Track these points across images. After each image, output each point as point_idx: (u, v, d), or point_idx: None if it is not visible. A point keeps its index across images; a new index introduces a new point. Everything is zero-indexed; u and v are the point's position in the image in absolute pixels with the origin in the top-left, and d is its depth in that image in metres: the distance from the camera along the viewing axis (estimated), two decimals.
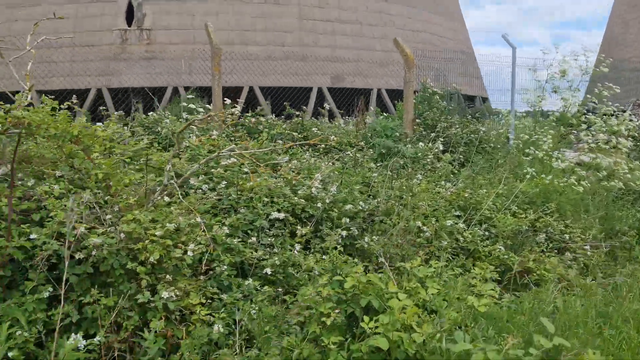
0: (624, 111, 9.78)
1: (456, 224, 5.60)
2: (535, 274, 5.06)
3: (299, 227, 4.30)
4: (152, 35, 20.63)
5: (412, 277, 3.28)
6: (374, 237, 4.97)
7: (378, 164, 6.85)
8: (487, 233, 5.69)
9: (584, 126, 7.81)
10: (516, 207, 6.18)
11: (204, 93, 15.29)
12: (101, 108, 8.98)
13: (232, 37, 20.66)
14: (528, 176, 6.57)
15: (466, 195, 6.00)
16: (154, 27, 20.72)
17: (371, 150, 7.09)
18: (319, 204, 4.60)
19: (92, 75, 19.74)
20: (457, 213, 5.88)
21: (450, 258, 4.92)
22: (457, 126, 8.10)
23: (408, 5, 24.15)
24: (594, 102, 8.93)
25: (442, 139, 7.81)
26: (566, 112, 7.83)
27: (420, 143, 7.37)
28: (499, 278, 5.03)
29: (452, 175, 6.90)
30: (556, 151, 6.89)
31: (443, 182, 6.39)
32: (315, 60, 21.38)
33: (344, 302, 2.94)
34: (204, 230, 3.33)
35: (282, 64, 20.73)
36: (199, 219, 3.39)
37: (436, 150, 7.30)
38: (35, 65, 5.87)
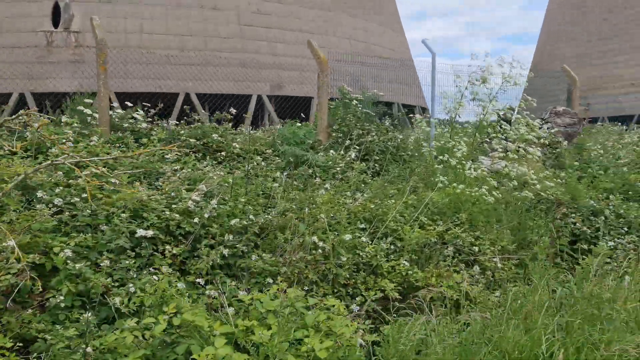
0: (543, 119, 9.79)
1: (359, 237, 5.23)
2: (436, 292, 4.74)
3: (167, 247, 3.77)
4: (81, 38, 19.56)
5: (253, 311, 2.83)
6: (263, 254, 4.52)
7: (285, 174, 6.41)
8: (392, 247, 5.35)
9: (500, 135, 7.66)
10: (425, 219, 5.88)
11: (138, 98, 14.61)
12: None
13: (168, 41, 19.91)
14: (440, 185, 6.30)
15: (372, 206, 5.64)
16: (82, 29, 19.64)
17: (279, 158, 6.64)
18: (196, 219, 4.09)
19: (14, 79, 18.51)
20: (363, 226, 5.51)
21: (316, 284, 4.50)
22: (374, 133, 7.78)
23: (350, 15, 24.10)
24: (512, 111, 8.87)
25: (356, 147, 7.47)
26: (483, 120, 7.65)
27: (332, 151, 6.99)
28: (399, 297, 4.69)
29: (363, 185, 6.55)
30: (470, 160, 6.66)
31: (349, 193, 6.01)
32: (255, 67, 20.91)
33: (160, 348, 2.46)
34: (17, 256, 2.75)
35: (221, 70, 20.12)
36: (10, 242, 2.81)
37: (348, 158, 6.94)
38: None
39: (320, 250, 4.55)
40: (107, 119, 6.11)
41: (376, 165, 7.41)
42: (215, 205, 4.24)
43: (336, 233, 5.08)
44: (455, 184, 6.21)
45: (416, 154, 8.04)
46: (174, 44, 19.93)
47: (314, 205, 5.49)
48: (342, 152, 7.36)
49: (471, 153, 7.45)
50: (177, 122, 7.17)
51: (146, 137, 6.10)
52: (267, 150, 6.71)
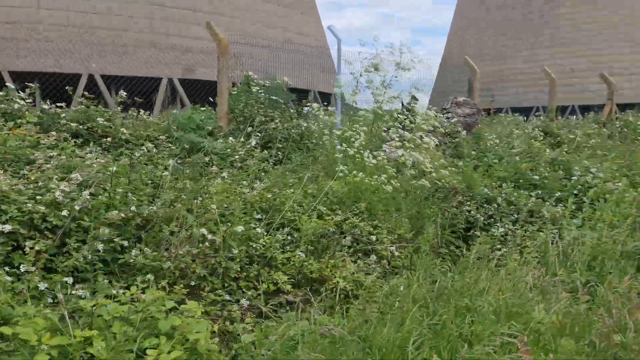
0: (444, 109, 10.03)
1: (254, 228, 5.04)
2: (331, 282, 4.65)
3: (27, 242, 3.39)
4: None
5: (98, 319, 2.57)
6: (146, 249, 4.21)
7: (179, 162, 6.07)
8: (289, 237, 5.21)
9: (398, 123, 7.71)
10: (324, 208, 5.78)
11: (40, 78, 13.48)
12: None
13: (71, 19, 18.54)
14: (340, 174, 6.23)
15: (269, 195, 5.46)
16: None
17: (174, 145, 6.29)
18: (65, 212, 3.71)
19: None
20: (259, 216, 5.32)
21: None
22: (277, 121, 7.58)
23: (266, 0, 23.65)
24: (416, 100, 8.99)
25: (258, 134, 7.24)
26: (377, 109, 7.61)
27: (230, 138, 6.72)
28: (292, 289, 4.55)
29: (263, 174, 6.35)
30: (369, 149, 6.63)
31: (247, 182, 5.80)
32: (166, 49, 19.98)
33: None
34: None
35: (130, 51, 19.00)
36: None
37: (248, 146, 6.70)
38: None
39: (208, 243, 4.30)
40: None
41: (279, 153, 7.23)
42: (89, 196, 3.88)
43: (229, 224, 4.86)
44: (354, 173, 6.16)
45: (320, 143, 7.94)
46: (77, 21, 18.65)
47: (207, 195, 5.23)
48: (242, 139, 7.11)
49: (370, 142, 7.45)
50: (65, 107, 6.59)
51: (21, 119, 5.53)
52: (161, 137, 6.33)
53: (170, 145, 6.23)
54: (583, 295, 4.41)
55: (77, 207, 3.77)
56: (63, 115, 5.78)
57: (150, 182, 5.09)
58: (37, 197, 3.73)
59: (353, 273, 4.82)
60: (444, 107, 9.92)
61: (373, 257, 5.48)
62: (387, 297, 4.24)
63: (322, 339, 2.91)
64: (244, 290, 4.61)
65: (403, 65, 6.87)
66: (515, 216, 7.14)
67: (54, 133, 5.41)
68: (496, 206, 7.14)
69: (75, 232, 3.79)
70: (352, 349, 2.75)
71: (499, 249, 6.54)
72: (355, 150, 6.24)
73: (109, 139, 5.70)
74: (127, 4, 19.42)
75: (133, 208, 4.31)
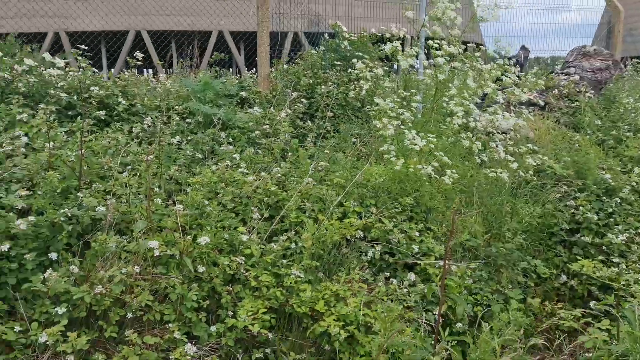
0: (567, 62, 7.78)
1: (242, 234, 3.79)
2: (322, 322, 3.29)
3: None
4: None
5: None
6: (72, 268, 3.19)
7: (189, 138, 4.99)
8: (293, 246, 3.90)
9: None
10: (355, 203, 4.35)
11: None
12: None
13: None
14: (388, 157, 4.68)
15: (272, 188, 4.16)
16: None
17: (190, 117, 5.20)
18: None
19: None
20: (257, 215, 4.06)
21: None
22: (330, 83, 6.15)
23: None
24: (527, 51, 6.94)
25: (303, 100, 5.88)
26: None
27: (255, 108, 5.46)
28: (261, 331, 3.27)
29: (291, 155, 5.02)
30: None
31: (260, 166, 4.56)
32: None
33: None
34: None
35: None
36: None
37: (284, 115, 5.37)
38: None
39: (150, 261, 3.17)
40: None
41: (326, 124, 5.83)
42: None
43: (203, 229, 3.68)
44: (399, 155, 4.59)
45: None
46: None
47: (192, 187, 4.08)
48: (287, 108, 5.80)
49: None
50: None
51: (4, 90, 4.78)
52: (177, 107, 5.27)
53: (185, 117, 5.15)
54: None
55: None
56: (61, 83, 4.95)
57: (120, 170, 4.05)
58: None
59: (359, 309, 3.39)
60: (566, 59, 7.66)
61: (411, 277, 3.99)
62: None
63: None
64: (210, 323, 3.46)
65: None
66: None
67: (42, 106, 4.58)
68: (619, 201, 5.12)
69: None
70: None
71: (616, 264, 4.65)
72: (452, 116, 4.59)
73: (102, 112, 4.76)
74: None
75: (64, 211, 3.29)
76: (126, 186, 3.72)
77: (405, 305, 3.76)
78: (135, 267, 3.24)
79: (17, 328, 2.83)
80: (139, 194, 3.84)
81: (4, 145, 3.77)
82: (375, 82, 6.21)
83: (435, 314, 3.79)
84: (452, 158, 4.67)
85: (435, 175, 4.38)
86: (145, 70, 19.99)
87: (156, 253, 3.26)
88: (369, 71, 5.51)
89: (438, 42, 4.93)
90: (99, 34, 17.18)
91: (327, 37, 7.38)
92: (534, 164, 5.02)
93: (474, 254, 4.53)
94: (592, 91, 7.09)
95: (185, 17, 17.59)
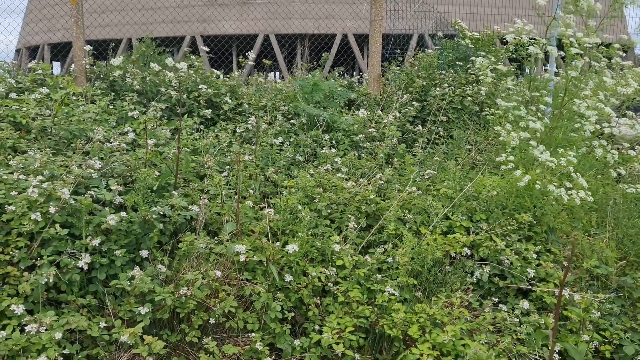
0: None
1: (336, 243, 3.54)
2: (413, 351, 2.92)
3: None
4: None
5: None
6: (159, 267, 3.15)
7: (291, 139, 4.85)
8: (389, 260, 3.58)
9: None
10: (464, 217, 3.92)
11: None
12: None
13: None
14: (505, 167, 4.17)
15: (371, 196, 3.86)
16: None
17: (292, 119, 5.05)
18: (37, 214, 2.86)
19: None
20: (352, 224, 3.78)
21: None
22: (446, 85, 5.70)
23: None
24: None
25: (414, 103, 5.50)
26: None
27: (362, 110, 5.16)
28: (346, 352, 2.98)
29: (396, 161, 4.68)
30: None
31: (361, 172, 4.28)
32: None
33: None
34: None
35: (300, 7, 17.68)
36: None
37: (392, 119, 5.05)
38: None
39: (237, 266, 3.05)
40: (81, 65, 5.10)
41: (439, 129, 5.42)
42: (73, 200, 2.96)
43: (295, 237, 3.49)
44: (522, 166, 4.07)
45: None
46: None
47: (287, 190, 3.92)
48: (396, 110, 5.47)
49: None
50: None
51: (121, 87, 4.97)
52: (283, 107, 5.16)
53: (290, 118, 5.02)
54: None
55: (51, 210, 2.89)
56: (174, 83, 5.07)
57: (219, 170, 4.00)
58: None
59: (458, 337, 2.98)
60: None
61: (524, 305, 3.48)
62: None
63: None
64: (295, 335, 3.26)
65: None
66: None
67: (153, 104, 4.72)
68: None
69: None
70: None
71: None
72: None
73: (209, 111, 4.77)
74: None
75: (156, 208, 3.28)
76: (220, 186, 3.64)
77: (515, 337, 3.28)
78: (218, 271, 3.12)
79: (102, 324, 2.82)
80: (235, 195, 3.75)
81: (111, 140, 3.87)
82: (496, 84, 5.68)
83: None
84: (581, 170, 4.06)
85: (564, 195, 3.80)
86: (273, 72, 20.65)
87: (241, 258, 3.12)
88: (491, 70, 5.02)
89: (572, 35, 4.32)
90: (230, 37, 18.03)
91: (443, 37, 6.93)
92: None
93: (604, 284, 3.89)
94: None
95: (311, 20, 17.91)
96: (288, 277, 3.23)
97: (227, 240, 3.25)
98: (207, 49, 6.30)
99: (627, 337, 3.53)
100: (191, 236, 3.22)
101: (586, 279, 3.82)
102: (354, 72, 18.36)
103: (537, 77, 4.93)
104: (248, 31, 18.33)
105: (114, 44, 5.37)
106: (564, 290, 3.58)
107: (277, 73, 19.56)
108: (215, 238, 3.43)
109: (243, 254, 3.14)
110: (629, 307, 3.81)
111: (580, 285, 3.79)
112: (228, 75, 5.62)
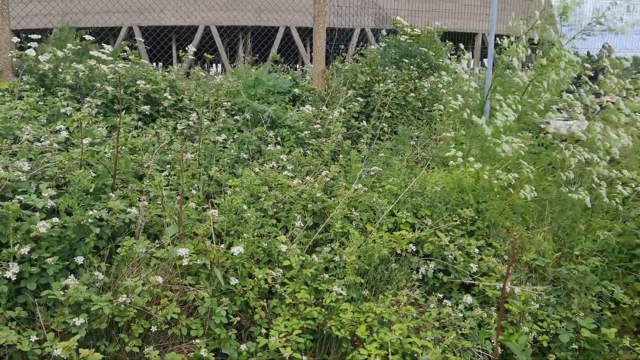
0: None
1: (282, 243, 3.49)
2: (361, 351, 2.91)
3: None
4: None
5: None
6: (96, 273, 2.99)
7: (235, 136, 4.73)
8: (336, 259, 3.55)
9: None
10: (409, 214, 3.94)
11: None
12: None
13: None
14: (454, 163, 4.23)
15: (318, 194, 3.82)
16: None
17: (239, 114, 4.94)
18: None
19: None
20: (299, 222, 3.73)
21: None
22: (390, 81, 5.74)
23: None
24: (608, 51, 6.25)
25: (359, 99, 5.51)
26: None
27: (307, 106, 5.13)
28: (293, 355, 2.94)
29: (341, 157, 4.67)
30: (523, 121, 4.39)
31: (309, 169, 4.24)
32: None
33: None
34: None
35: None
36: None
37: (337, 115, 5.03)
38: None
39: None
40: (7, 58, 4.79)
41: (383, 125, 5.44)
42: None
43: (239, 237, 3.40)
44: (470, 160, 4.13)
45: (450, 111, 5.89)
46: None
47: (232, 189, 3.82)
48: (341, 107, 5.45)
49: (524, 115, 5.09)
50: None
51: (52, 82, 4.71)
52: (226, 103, 5.03)
53: (233, 114, 4.90)
54: None
55: None
56: (109, 76, 4.83)
57: (159, 169, 3.85)
58: None
59: (405, 335, 3.00)
60: None
61: (467, 299, 3.54)
62: None
63: None
64: (241, 340, 3.18)
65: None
66: None
67: (88, 99, 4.48)
68: None
69: None
70: None
71: None
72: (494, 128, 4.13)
73: (147, 107, 4.59)
74: None
75: (92, 213, 3.10)
76: (161, 187, 3.49)
77: (460, 332, 3.33)
78: (159, 277, 2.99)
79: (34, 338, 2.64)
80: (177, 196, 3.62)
81: (42, 139, 3.64)
82: (447, 83, 5.76)
83: (494, 342, 3.34)
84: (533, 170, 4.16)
85: (510, 189, 3.89)
86: (214, 65, 20.19)
87: (184, 262, 3.00)
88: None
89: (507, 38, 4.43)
90: (170, 29, 17.50)
91: (386, 34, 6.97)
92: (613, 175, 4.42)
93: (541, 276, 4.02)
94: None
95: (252, 12, 17.64)
96: (233, 280, 3.15)
97: (169, 244, 3.13)
98: (143, 40, 6.06)
99: (563, 327, 3.66)
100: (130, 240, 3.08)
101: (525, 271, 3.94)
102: (297, 66, 18.29)
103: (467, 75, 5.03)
104: (188, 22, 17.86)
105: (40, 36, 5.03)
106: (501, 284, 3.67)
107: (220, 65, 19.24)
108: (156, 242, 3.30)
109: (186, 257, 3.03)
110: (564, 297, 3.96)
111: (519, 278, 3.90)
112: (167, 70, 5.42)
